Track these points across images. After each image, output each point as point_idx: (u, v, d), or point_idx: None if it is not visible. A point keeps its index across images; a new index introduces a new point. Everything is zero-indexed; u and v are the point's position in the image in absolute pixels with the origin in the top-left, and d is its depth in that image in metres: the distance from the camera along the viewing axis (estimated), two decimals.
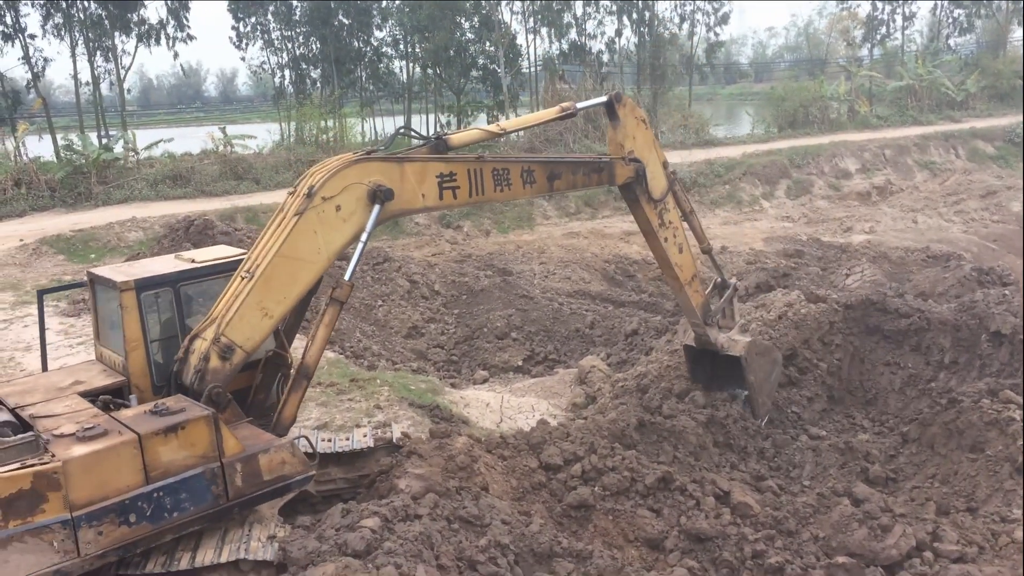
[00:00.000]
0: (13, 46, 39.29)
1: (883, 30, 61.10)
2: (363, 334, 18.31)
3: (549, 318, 19.34)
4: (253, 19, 47.58)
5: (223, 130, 36.15)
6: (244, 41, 48.14)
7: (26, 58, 39.57)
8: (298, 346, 9.51)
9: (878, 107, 52.02)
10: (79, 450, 7.07)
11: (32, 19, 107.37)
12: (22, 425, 7.77)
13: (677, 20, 52.88)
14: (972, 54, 64.52)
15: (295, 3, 46.79)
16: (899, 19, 60.40)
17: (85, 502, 6.99)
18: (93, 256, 23.72)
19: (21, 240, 24.59)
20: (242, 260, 8.74)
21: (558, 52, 49.93)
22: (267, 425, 8.67)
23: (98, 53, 42.88)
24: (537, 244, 27.12)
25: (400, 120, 51.98)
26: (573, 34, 49.76)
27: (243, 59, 54.86)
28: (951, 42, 64.02)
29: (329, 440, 10.20)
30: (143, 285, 8.48)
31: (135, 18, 42.96)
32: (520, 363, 18.06)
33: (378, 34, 49.60)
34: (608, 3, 49.81)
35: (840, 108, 49.37)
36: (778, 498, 10.76)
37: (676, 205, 12.00)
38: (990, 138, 43.43)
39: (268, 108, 64.01)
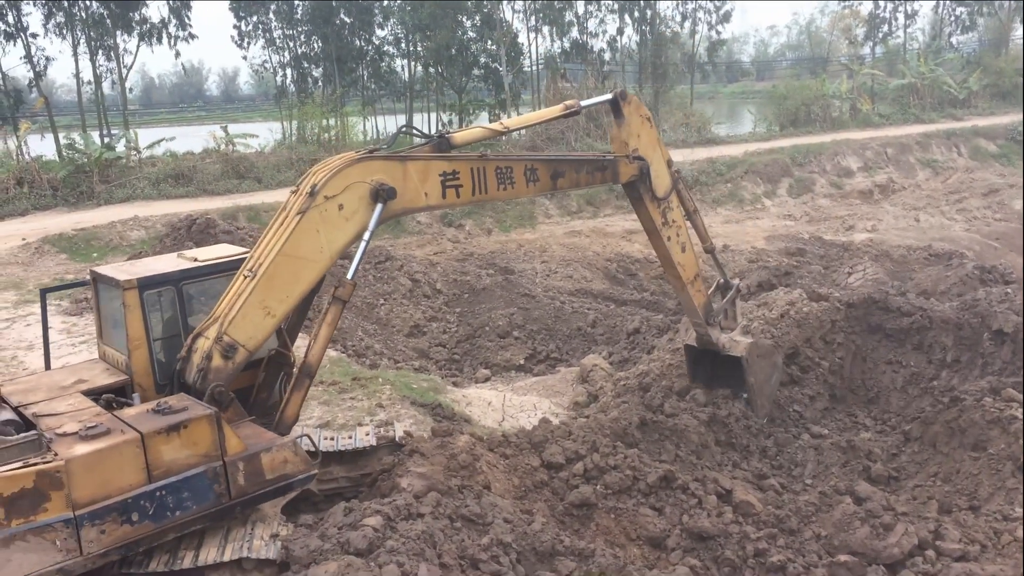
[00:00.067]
0: (15, 45, 39.53)
1: (885, 28, 61.19)
2: (365, 333, 18.33)
3: (551, 317, 19.35)
4: (255, 18, 47.62)
5: (225, 129, 36.17)
6: (246, 40, 48.21)
7: (28, 57, 39.68)
8: (300, 345, 9.52)
9: (880, 105, 51.94)
10: (81, 449, 7.08)
11: (34, 18, 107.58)
12: (25, 424, 7.79)
13: (679, 18, 52.95)
14: (974, 52, 64.43)
15: (297, 2, 46.84)
16: (901, 17, 60.51)
17: (87, 501, 7.00)
18: (95, 255, 23.75)
19: (23, 239, 24.61)
20: (244, 259, 8.75)
21: (560, 51, 49.96)
22: (269, 424, 8.69)
23: (100, 52, 42.98)
24: (539, 243, 27.12)
25: (402, 119, 51.97)
26: (575, 32, 49.82)
27: (245, 58, 55.39)
28: (953, 40, 64.03)
29: (331, 439, 10.21)
30: (146, 284, 8.49)
31: (137, 17, 43.05)
32: (522, 362, 18.06)
33: (380, 33, 49.70)
34: (610, 2, 49.87)
35: (842, 106, 49.32)
36: (780, 497, 10.75)
37: (680, 204, 11.99)
38: (992, 136, 43.36)
39: (270, 107, 64.10)
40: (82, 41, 41.90)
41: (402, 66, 52.11)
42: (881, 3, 59.43)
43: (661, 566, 9.18)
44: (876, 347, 14.40)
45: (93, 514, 7.00)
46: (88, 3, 41.75)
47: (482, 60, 47.82)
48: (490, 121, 43.66)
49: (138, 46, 44.09)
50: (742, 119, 56.38)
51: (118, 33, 42.86)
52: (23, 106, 41.28)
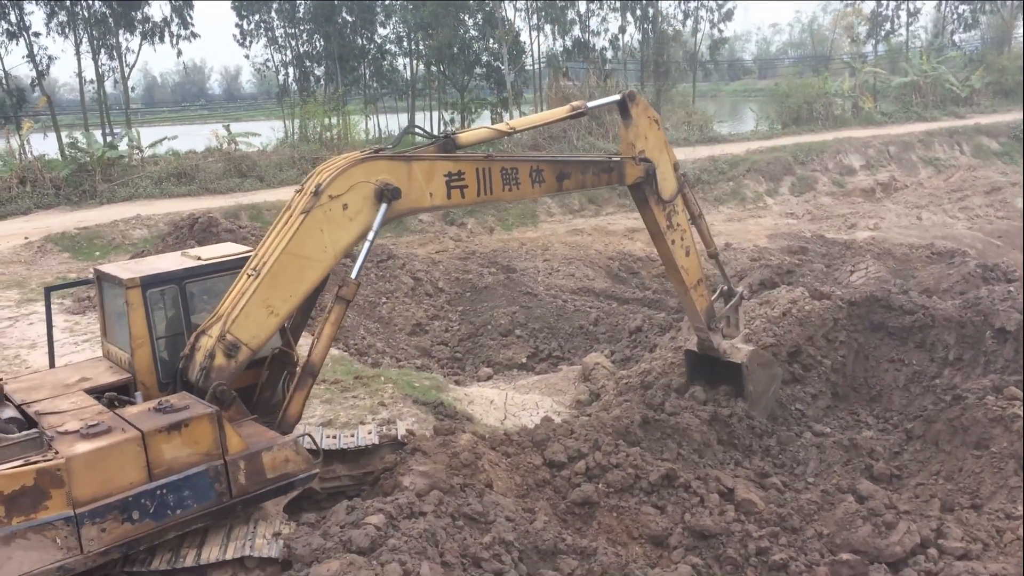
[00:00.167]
0: (18, 44, 39.62)
1: (887, 26, 61.07)
2: (367, 331, 18.34)
3: (553, 315, 19.34)
4: (257, 17, 47.66)
5: (227, 128, 36.23)
6: (248, 39, 48.26)
7: (31, 56, 39.73)
8: (304, 344, 9.53)
9: (882, 103, 51.88)
10: (82, 447, 7.08)
11: (36, 17, 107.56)
12: (28, 422, 7.80)
13: (681, 16, 52.94)
14: (977, 50, 64.36)
15: (298, 1, 46.86)
16: (903, 15, 60.43)
17: (88, 499, 7.00)
18: (98, 254, 23.77)
19: (26, 238, 24.64)
20: (248, 258, 8.75)
21: (562, 49, 49.94)
22: (272, 423, 8.70)
23: (102, 51, 43.06)
24: (541, 241, 27.12)
25: (404, 117, 52.13)
26: (577, 31, 49.79)
27: (247, 57, 55.38)
28: (956, 38, 63.95)
29: (334, 437, 10.21)
30: (149, 282, 8.49)
31: (139, 16, 43.09)
32: (524, 360, 18.05)
33: (382, 31, 49.74)
34: (612, 0, 49.79)
35: (844, 104, 49.27)
36: (782, 495, 10.74)
37: (685, 208, 11.97)
38: (995, 134, 43.28)
39: (272, 106, 64.14)
40: (84, 40, 41.99)
41: (404, 65, 52.20)
42: (883, 1, 59.42)
43: (663, 565, 9.18)
44: (878, 345, 14.38)
45: (94, 512, 7.01)
46: (90, 2, 41.82)
47: (484, 59, 47.82)
48: (492, 119, 43.75)
49: (140, 45, 44.23)
50: (744, 117, 56.37)
51: (120, 32, 42.93)
52: (26, 105, 41.38)
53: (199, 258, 9.17)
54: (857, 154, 38.60)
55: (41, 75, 40.63)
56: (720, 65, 75.57)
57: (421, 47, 48.89)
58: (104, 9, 42.04)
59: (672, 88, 50.37)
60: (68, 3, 40.87)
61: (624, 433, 11.23)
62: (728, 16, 52.75)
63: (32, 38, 39.74)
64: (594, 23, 50.73)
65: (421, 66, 50.65)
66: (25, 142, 31.74)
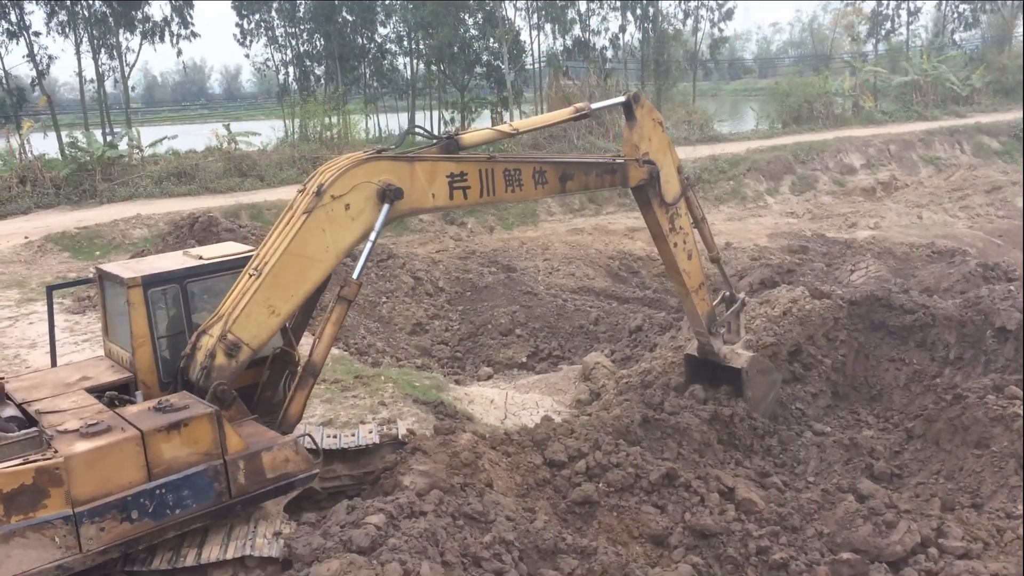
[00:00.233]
0: (18, 44, 39.62)
1: (888, 25, 61.02)
2: (367, 331, 18.33)
3: (553, 314, 19.34)
4: (257, 16, 47.66)
5: (227, 127, 36.25)
6: (248, 38, 48.27)
7: (31, 56, 39.74)
8: (305, 344, 9.53)
9: (883, 102, 51.87)
10: (82, 446, 7.08)
11: (37, 16, 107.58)
12: (28, 420, 7.80)
13: (681, 16, 52.91)
14: (977, 49, 64.28)
15: (299, 0, 46.84)
16: (904, 14, 60.35)
17: (87, 498, 7.00)
18: (98, 253, 23.77)
19: (26, 237, 24.65)
20: (249, 257, 8.75)
21: (562, 48, 49.92)
22: (273, 422, 8.69)
23: (102, 50, 43.08)
24: (541, 240, 27.12)
25: (404, 116, 52.13)
26: (577, 30, 49.76)
27: (247, 56, 55.44)
28: (956, 37, 63.90)
29: (334, 437, 10.21)
30: (150, 281, 8.49)
31: (139, 15, 43.08)
32: (524, 359, 18.05)
33: (382, 31, 49.74)
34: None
35: (845, 104, 49.28)
36: (782, 494, 10.74)
37: (688, 211, 11.94)
38: (995, 133, 43.26)
39: (272, 105, 64.13)
40: (84, 39, 41.99)
41: (404, 64, 52.20)
42: (884, 0, 59.34)
43: (663, 564, 9.18)
44: (879, 344, 14.38)
45: (93, 511, 7.00)
46: (90, 1, 41.82)
47: (484, 58, 47.81)
48: (492, 119, 43.75)
49: (140, 44, 44.23)
50: (744, 116, 56.39)
51: (120, 31, 42.92)
52: (26, 104, 41.38)
53: (201, 257, 9.16)
54: (858, 153, 38.59)
55: (41, 74, 40.64)
56: (720, 64, 75.58)
57: (421, 46, 48.89)
58: (104, 8, 42.05)
59: (672, 87, 50.38)
60: (68, 3, 40.88)
61: (624, 432, 11.23)
62: (728, 15, 52.77)
63: (32, 37, 39.80)
64: (594, 22, 50.92)
65: (421, 65, 50.66)
66: (25, 141, 31.77)
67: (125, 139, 34.88)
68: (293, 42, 48.56)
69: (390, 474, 9.34)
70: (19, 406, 8.10)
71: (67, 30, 41.60)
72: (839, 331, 14.48)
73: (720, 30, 53.76)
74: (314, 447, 9.14)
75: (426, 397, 13.59)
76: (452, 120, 47.12)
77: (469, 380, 16.91)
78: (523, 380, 16.73)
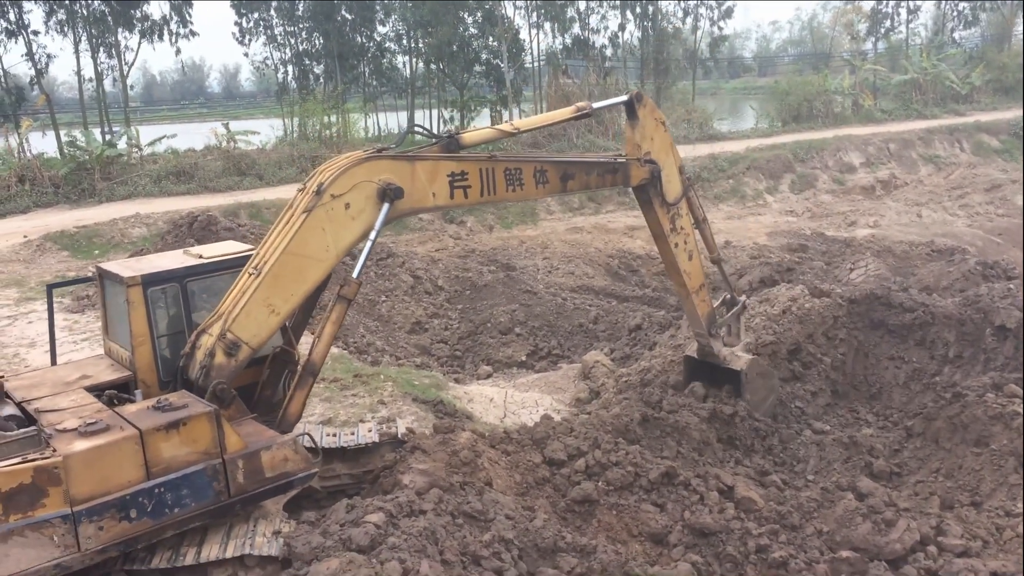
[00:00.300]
0: (16, 42, 39.55)
1: (887, 24, 61.04)
2: (367, 330, 18.32)
3: (553, 313, 19.33)
4: (256, 15, 47.65)
5: (226, 126, 36.22)
6: (247, 37, 48.25)
7: (29, 55, 39.73)
8: (305, 343, 9.52)
9: (882, 101, 51.89)
10: (80, 445, 7.07)
11: (35, 15, 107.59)
12: (28, 419, 7.80)
13: (681, 14, 52.97)
14: (977, 47, 64.33)
15: None
16: (903, 13, 60.37)
17: (86, 497, 6.99)
18: (97, 252, 23.76)
19: (25, 236, 24.63)
20: (249, 256, 8.74)
21: (561, 47, 49.93)
22: (273, 421, 8.69)
23: (101, 49, 43.07)
24: (541, 239, 27.11)
25: (403, 115, 52.12)
26: (576, 29, 49.78)
27: (246, 55, 55.53)
28: (956, 35, 63.96)
29: (334, 435, 10.20)
30: (150, 280, 8.48)
31: (138, 14, 43.06)
32: (524, 358, 18.04)
33: (381, 29, 49.76)
34: None
35: (844, 102, 49.26)
36: (782, 493, 10.74)
37: (689, 211, 11.92)
38: (995, 132, 43.26)
39: (271, 104, 64.18)
40: (83, 38, 41.98)
41: (403, 63, 52.25)
42: None
43: (663, 562, 9.18)
44: (878, 343, 14.37)
45: (91, 510, 6.99)
46: (89, 0, 41.76)
47: (483, 56, 47.81)
48: (491, 117, 43.73)
49: (139, 43, 44.22)
50: (744, 115, 56.38)
51: (119, 30, 42.91)
52: (25, 103, 41.38)
53: (200, 256, 9.16)
54: (857, 152, 38.59)
55: (40, 73, 40.64)
56: (720, 63, 75.59)
57: (420, 45, 48.89)
58: (103, 7, 42.05)
59: (672, 86, 50.40)
60: (67, 1, 40.87)
61: (624, 431, 11.23)
62: (728, 14, 52.85)
63: (31, 36, 39.81)
64: (594, 21, 51.06)
65: (420, 64, 50.65)
66: (24, 140, 31.76)
67: (124, 138, 34.87)
68: (292, 41, 48.58)
69: (389, 473, 9.34)
70: (18, 405, 8.09)
71: (66, 29, 41.60)
72: (838, 329, 14.48)
73: (719, 28, 53.90)
74: (313, 446, 9.14)
75: (425, 396, 13.58)
76: (451, 119, 47.12)
77: (468, 379, 16.91)
78: (522, 379, 16.73)
